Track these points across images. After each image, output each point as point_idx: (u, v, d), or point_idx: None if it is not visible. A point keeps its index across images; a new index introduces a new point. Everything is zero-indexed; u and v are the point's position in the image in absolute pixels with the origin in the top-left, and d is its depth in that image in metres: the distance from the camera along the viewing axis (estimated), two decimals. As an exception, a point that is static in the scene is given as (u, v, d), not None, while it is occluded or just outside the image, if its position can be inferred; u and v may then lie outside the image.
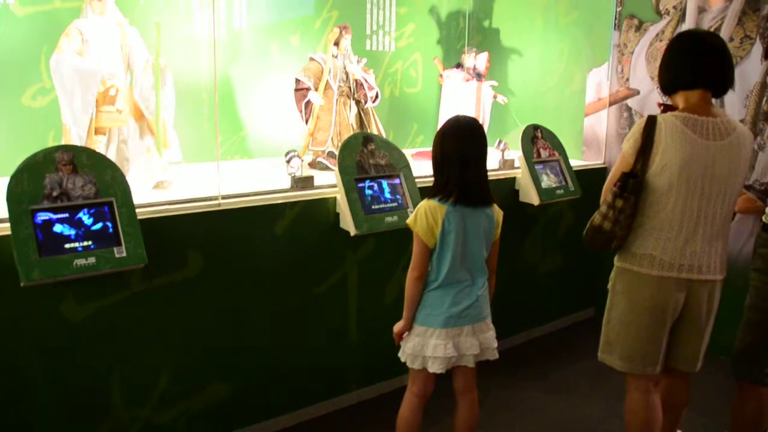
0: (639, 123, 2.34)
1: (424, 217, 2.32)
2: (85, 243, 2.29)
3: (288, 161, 3.05)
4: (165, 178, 3.07)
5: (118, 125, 3.03)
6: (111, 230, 2.34)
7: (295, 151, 3.15)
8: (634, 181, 2.30)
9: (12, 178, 2.24)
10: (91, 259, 2.27)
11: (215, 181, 2.85)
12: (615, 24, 4.33)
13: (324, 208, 3.04)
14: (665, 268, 2.32)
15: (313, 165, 3.83)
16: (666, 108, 2.40)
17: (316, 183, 3.14)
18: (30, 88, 3.46)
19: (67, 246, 2.26)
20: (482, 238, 2.43)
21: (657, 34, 4.13)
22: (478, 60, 4.71)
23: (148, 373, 2.68)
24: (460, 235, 2.34)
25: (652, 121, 2.30)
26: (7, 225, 2.23)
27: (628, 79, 4.30)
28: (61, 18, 3.25)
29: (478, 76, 4.67)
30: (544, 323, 4.31)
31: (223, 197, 2.79)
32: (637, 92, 4.27)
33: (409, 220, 2.37)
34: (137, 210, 2.45)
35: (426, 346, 2.40)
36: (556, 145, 4.00)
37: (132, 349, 2.62)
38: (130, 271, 2.47)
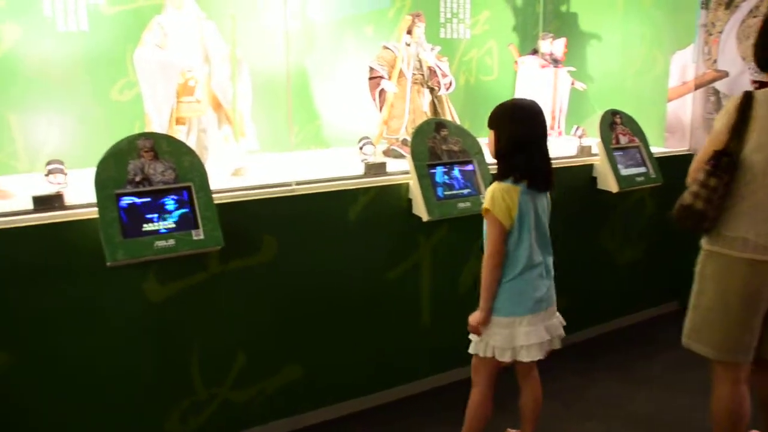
0: (733, 99, 2.23)
1: (501, 198, 2.29)
2: (165, 225, 2.39)
3: (361, 148, 3.07)
4: (242, 166, 3.15)
5: (198, 115, 3.14)
6: (189, 214, 2.43)
7: (368, 137, 3.17)
8: (727, 160, 2.19)
9: (99, 164, 2.37)
10: (171, 241, 2.37)
11: (290, 167, 2.90)
12: (702, 3, 4.13)
13: (397, 193, 3.05)
14: (759, 251, 2.20)
15: (387, 153, 3.84)
16: (762, 85, 2.27)
17: (390, 170, 3.15)
18: (118, 82, 3.63)
19: (148, 228, 2.37)
20: (546, 221, 2.44)
21: (750, 11, 3.91)
22: (555, 46, 4.60)
23: (225, 353, 2.77)
24: (533, 216, 2.33)
25: (748, 97, 2.18)
26: (95, 209, 2.36)
27: (715, 61, 4.10)
28: (145, 15, 3.39)
29: (555, 62, 4.56)
30: (624, 315, 4.17)
31: (298, 183, 2.84)
32: (726, 74, 4.06)
33: (486, 204, 2.31)
34: (215, 195, 2.53)
35: (516, 337, 2.36)
36: (637, 131, 3.86)
37: (210, 330, 2.71)
38: (207, 254, 2.55)
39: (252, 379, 2.85)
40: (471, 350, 2.47)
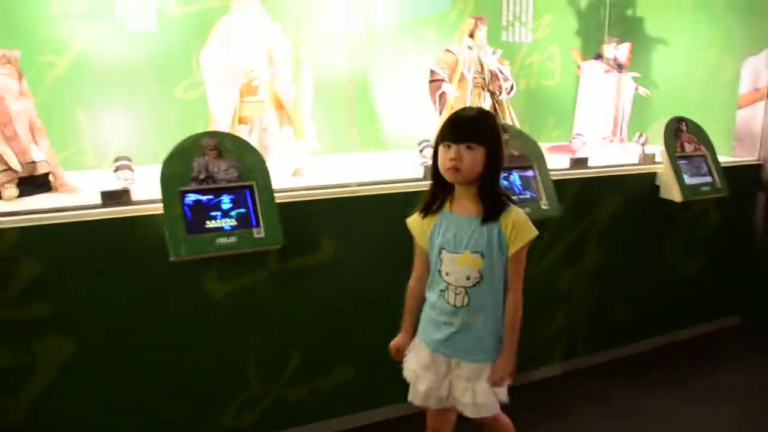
0: None
1: None
2: (228, 223, 2.43)
3: (421, 150, 3.07)
4: (302, 166, 3.19)
5: (260, 115, 3.19)
6: (251, 212, 2.47)
7: (428, 141, 3.17)
8: None
9: (165, 162, 2.43)
10: (233, 239, 2.41)
11: (349, 169, 2.92)
12: (777, 7, 3.98)
13: (454, 197, 3.03)
14: None
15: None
16: None
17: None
18: (182, 82, 3.72)
19: (211, 225, 2.41)
20: None
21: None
22: (620, 50, 4.50)
23: (281, 351, 2.80)
24: None
25: None
26: (160, 205, 2.42)
27: (790, 68, 3.94)
28: (211, 16, 3.46)
29: (619, 68, 4.47)
30: (685, 327, 4.04)
31: (358, 184, 2.85)
32: (801, 81, 3.91)
33: (533, 233, 2.04)
34: (275, 194, 2.56)
35: None
36: (703, 139, 3.74)
37: (267, 327, 2.75)
38: (267, 252, 2.59)
39: (305, 378, 2.88)
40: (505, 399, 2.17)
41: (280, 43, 3.25)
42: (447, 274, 2.08)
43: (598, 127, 4.48)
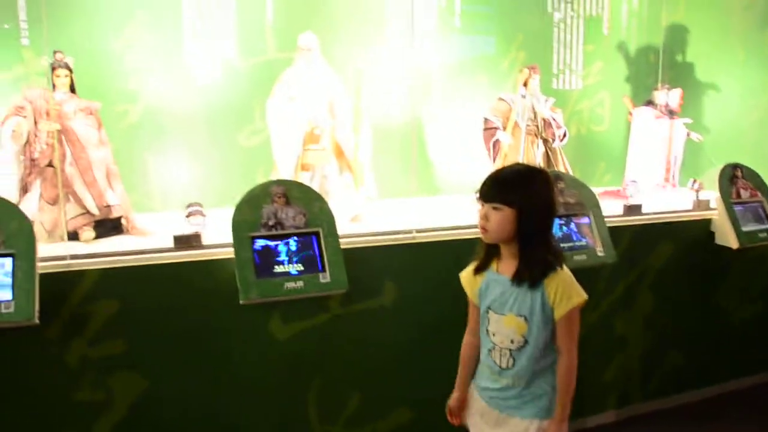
0: None
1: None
2: (295, 268, 2.53)
3: (477, 198, 3.13)
4: (361, 212, 3.30)
5: (322, 163, 3.32)
6: (317, 257, 2.57)
7: (482, 188, 3.24)
8: None
9: (236, 208, 2.55)
10: (300, 283, 2.51)
11: (409, 216, 3.00)
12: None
13: (510, 244, 3.09)
14: None
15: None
16: None
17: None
18: (245, 128, 3.89)
19: (279, 270, 2.52)
20: None
21: None
22: (671, 96, 4.54)
23: (341, 393, 2.86)
24: None
25: None
26: (229, 249, 2.54)
27: None
28: (275, 68, 3.64)
29: (671, 113, 4.50)
30: (739, 377, 3.97)
31: (417, 231, 2.94)
32: None
33: (582, 296, 1.95)
34: (339, 240, 2.66)
35: None
36: (759, 184, 3.73)
37: (328, 369, 2.82)
38: (330, 296, 2.68)
39: (363, 420, 2.93)
40: None
41: (341, 94, 3.40)
42: (493, 335, 2.02)
43: (650, 173, 4.49)
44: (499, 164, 3.86)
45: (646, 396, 3.62)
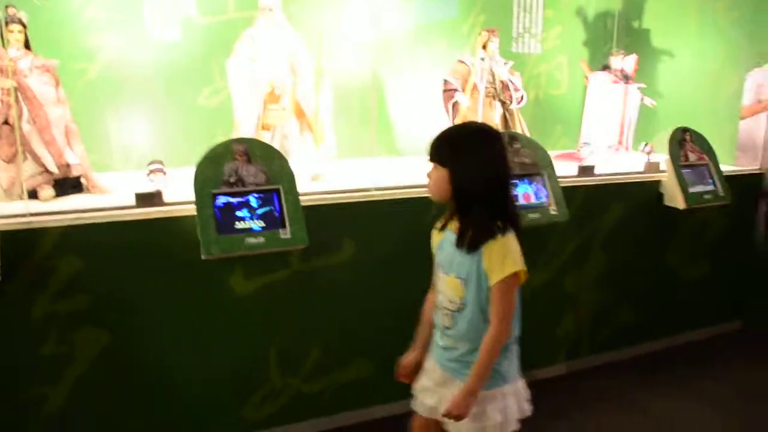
0: None
1: (520, 254, 1.91)
2: (256, 224, 2.58)
3: (434, 157, 3.21)
4: (321, 171, 3.34)
5: (282, 122, 3.34)
6: (278, 214, 2.62)
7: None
8: None
9: (198, 165, 2.58)
10: (261, 239, 2.56)
11: (369, 175, 3.06)
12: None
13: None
14: None
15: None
16: None
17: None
18: (205, 88, 3.88)
19: (240, 226, 2.56)
20: None
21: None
22: (626, 62, 4.65)
23: (301, 346, 2.95)
24: None
25: None
26: (191, 206, 2.58)
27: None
28: (236, 27, 3.62)
29: (626, 79, 4.61)
30: (686, 331, 4.18)
31: (376, 189, 3.00)
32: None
33: (517, 266, 1.85)
34: (300, 197, 2.72)
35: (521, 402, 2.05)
36: (706, 149, 3.88)
37: (289, 323, 2.90)
38: (290, 252, 2.74)
39: (324, 372, 3.02)
40: None
41: (302, 54, 3.41)
42: (440, 293, 2.02)
43: (604, 136, 4.62)
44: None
45: (595, 349, 3.79)
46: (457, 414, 1.87)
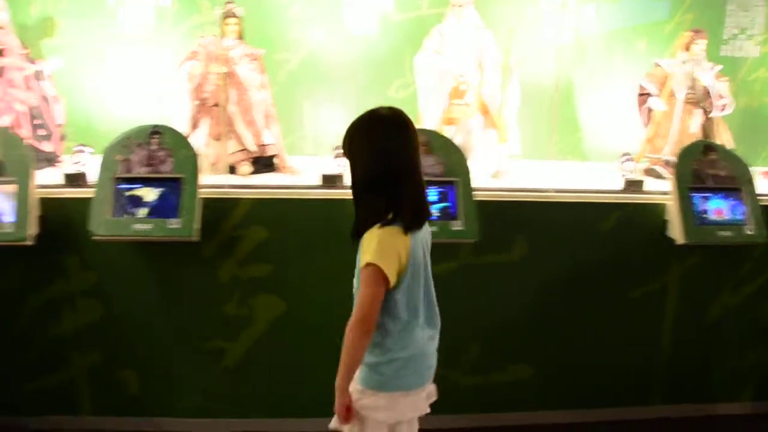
0: None
1: (391, 247, 1.72)
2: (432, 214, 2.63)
3: (622, 163, 3.07)
4: (502, 168, 3.32)
5: (466, 118, 3.37)
6: (451, 206, 2.65)
7: (629, 154, 3.16)
8: None
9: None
10: (434, 228, 2.58)
11: (548, 176, 2.99)
12: None
13: (653, 213, 2.99)
14: None
15: (648, 172, 3.75)
16: None
17: (647, 188, 3.11)
18: (395, 81, 4.02)
19: (414, 215, 2.63)
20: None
21: None
22: None
23: (462, 340, 2.95)
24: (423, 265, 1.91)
25: None
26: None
27: None
28: (427, 22, 3.71)
29: None
30: None
31: (555, 191, 2.93)
32: None
33: (370, 257, 1.69)
34: (476, 192, 2.73)
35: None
36: None
37: (452, 315, 2.90)
38: (461, 244, 2.76)
39: (481, 369, 3.00)
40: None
41: (491, 50, 3.41)
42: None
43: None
44: (650, 132, 3.71)
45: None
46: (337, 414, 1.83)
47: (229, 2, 3.42)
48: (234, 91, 3.33)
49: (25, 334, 2.86)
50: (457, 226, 2.62)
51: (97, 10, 3.83)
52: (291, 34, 3.95)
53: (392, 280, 1.71)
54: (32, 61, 3.46)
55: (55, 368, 2.90)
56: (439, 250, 2.77)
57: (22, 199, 2.60)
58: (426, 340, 1.90)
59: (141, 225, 2.58)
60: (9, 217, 2.58)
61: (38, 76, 3.46)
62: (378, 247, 1.69)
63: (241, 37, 3.45)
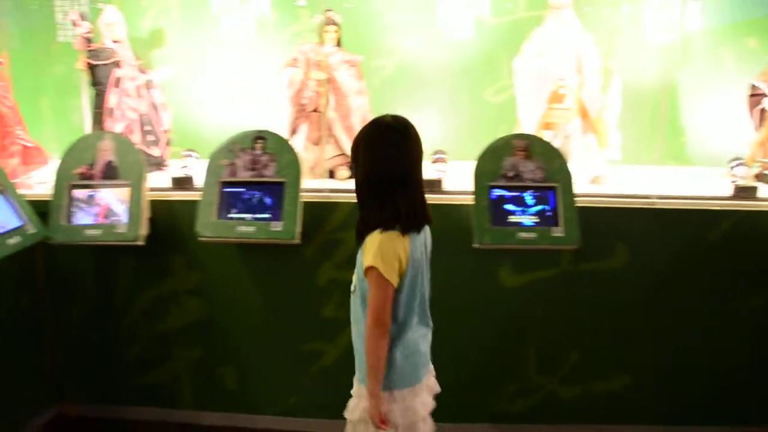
0: None
1: (391, 251, 1.80)
2: (529, 219, 2.61)
3: (732, 168, 2.93)
4: (602, 174, 3.24)
5: (565, 122, 3.30)
6: (551, 212, 2.62)
7: (741, 158, 3.01)
8: None
9: (479, 157, 2.69)
10: (533, 234, 2.59)
11: (651, 181, 2.90)
12: None
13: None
14: None
15: (759, 177, 3.54)
16: None
17: (761, 195, 2.95)
18: (492, 85, 3.98)
19: (512, 220, 2.62)
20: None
21: None
22: None
23: (561, 347, 2.91)
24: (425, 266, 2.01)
25: None
26: (468, 196, 2.68)
27: None
28: (524, 25, 3.66)
29: None
30: None
31: (658, 197, 2.83)
32: None
33: (371, 260, 1.79)
34: (576, 198, 2.68)
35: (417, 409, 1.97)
36: None
37: (552, 322, 2.87)
38: (561, 251, 2.71)
39: (581, 378, 2.94)
40: None
41: (591, 53, 3.33)
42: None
43: None
44: (762, 135, 3.51)
45: None
46: (371, 418, 1.88)
47: (328, 9, 3.50)
48: (333, 97, 3.40)
49: (133, 330, 3.03)
50: (557, 232, 2.58)
51: (202, 20, 4.00)
52: (387, 40, 3.99)
53: (393, 282, 1.80)
54: (143, 71, 3.66)
55: (160, 363, 3.06)
56: (539, 257, 2.77)
57: (135, 201, 2.76)
58: (419, 338, 1.98)
59: (245, 227, 2.68)
60: (123, 218, 2.75)
61: (149, 85, 3.65)
62: (379, 250, 1.78)
63: (339, 44, 3.52)
